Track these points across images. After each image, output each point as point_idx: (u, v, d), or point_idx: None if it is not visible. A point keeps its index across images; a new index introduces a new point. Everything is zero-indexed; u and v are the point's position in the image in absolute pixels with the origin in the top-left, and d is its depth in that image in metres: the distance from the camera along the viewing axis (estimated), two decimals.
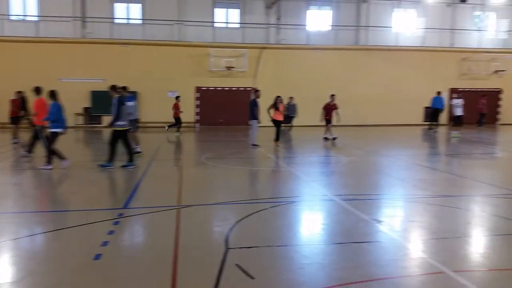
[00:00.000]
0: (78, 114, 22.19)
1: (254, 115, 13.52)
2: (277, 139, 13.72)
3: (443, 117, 21.15)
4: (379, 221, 5.55)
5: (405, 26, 25.06)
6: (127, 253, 4.51)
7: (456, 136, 17.20)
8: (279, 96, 13.83)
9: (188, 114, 22.79)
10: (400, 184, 8.42)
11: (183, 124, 19.36)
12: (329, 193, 7.25)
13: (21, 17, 22.37)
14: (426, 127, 21.31)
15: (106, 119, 10.29)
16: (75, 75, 21.77)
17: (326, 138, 15.49)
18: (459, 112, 18.43)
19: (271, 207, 6.23)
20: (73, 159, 11.13)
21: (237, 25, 23.88)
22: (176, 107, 18.78)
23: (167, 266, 4.01)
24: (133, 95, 11.29)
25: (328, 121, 15.59)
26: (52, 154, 9.32)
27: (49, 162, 9.26)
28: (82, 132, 20.23)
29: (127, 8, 22.94)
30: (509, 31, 25.90)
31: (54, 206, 6.83)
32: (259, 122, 13.67)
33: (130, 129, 10.13)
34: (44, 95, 9.63)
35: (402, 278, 3.83)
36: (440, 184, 8.24)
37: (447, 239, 4.84)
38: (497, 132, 21.27)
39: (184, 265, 4.05)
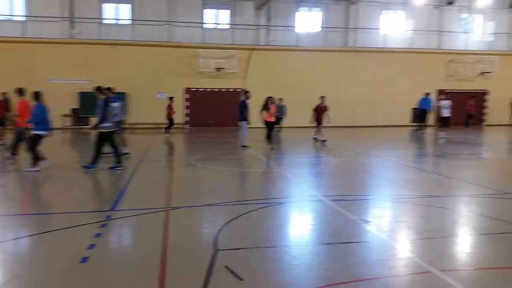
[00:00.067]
0: (65, 116, 21.96)
1: (243, 116, 13.51)
2: (269, 141, 13.52)
3: (430, 118, 21.38)
4: (367, 222, 5.59)
5: (393, 28, 25.29)
6: (114, 255, 4.47)
7: (443, 137, 17.40)
8: (270, 97, 13.68)
9: (178, 115, 22.68)
10: (388, 184, 8.49)
11: (170, 126, 19.27)
12: (318, 194, 7.27)
13: (8, 17, 22.07)
14: (414, 128, 21.51)
15: (94, 121, 10.17)
16: (63, 76, 21.55)
17: (315, 139, 15.53)
18: (446, 113, 18.65)
19: (260, 208, 6.23)
20: (59, 161, 11.03)
21: (227, 26, 23.86)
22: (169, 108, 18.73)
23: (155, 268, 3.98)
24: (119, 96, 11.19)
25: (319, 122, 15.58)
26: (35, 155, 9.16)
27: (35, 164, 9.14)
28: (70, 134, 20.03)
29: (116, 8, 22.78)
30: (495, 33, 26.30)
31: (39, 209, 6.75)
32: (249, 123, 13.66)
33: (116, 130, 10.04)
34: (28, 96, 9.49)
35: (390, 278, 3.86)
36: (427, 184, 8.33)
37: (434, 239, 4.89)
38: (483, 133, 21.57)
39: (172, 267, 4.03)
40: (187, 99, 23.22)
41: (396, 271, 4.07)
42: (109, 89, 10.43)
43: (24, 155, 10.25)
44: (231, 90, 23.37)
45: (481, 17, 26.30)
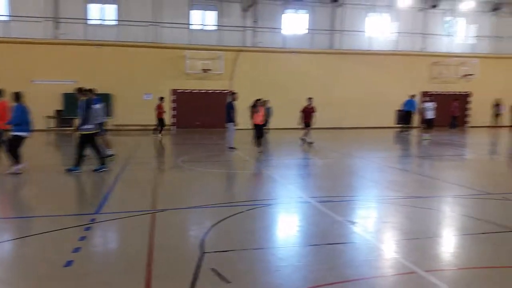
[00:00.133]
0: (49, 117, 21.64)
1: (230, 118, 13.50)
2: (258, 144, 13.41)
3: (415, 120, 21.69)
4: (353, 223, 5.63)
5: (378, 31, 25.57)
6: (99, 259, 4.42)
7: (427, 139, 17.64)
8: (259, 99, 13.64)
9: (165, 117, 22.56)
10: (373, 186, 8.57)
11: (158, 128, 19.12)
12: (304, 195, 7.30)
13: None
14: (399, 129, 21.77)
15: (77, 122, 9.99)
16: (47, 76, 21.24)
17: (303, 140, 15.53)
18: (430, 115, 18.91)
19: (248, 210, 6.24)
20: (43, 163, 10.87)
21: (214, 28, 23.82)
22: (159, 108, 18.60)
23: (141, 271, 3.95)
24: (100, 98, 11.06)
25: (306, 124, 15.57)
26: (15, 157, 8.97)
27: (16, 166, 8.96)
28: (54, 135, 19.74)
29: (102, 9, 22.54)
30: (477, 36, 26.80)
31: (21, 212, 6.62)
32: (235, 125, 13.66)
33: (98, 132, 9.93)
34: (8, 97, 9.28)
35: (376, 279, 3.89)
36: (411, 185, 8.44)
37: (418, 239, 4.96)
38: (466, 134, 21.94)
39: (158, 270, 4.00)
40: (173, 101, 23.10)
41: (382, 271, 4.11)
42: (90, 90, 10.31)
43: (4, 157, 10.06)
44: (218, 91, 23.33)
45: (464, 20, 26.78)
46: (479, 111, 26.22)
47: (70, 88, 20.77)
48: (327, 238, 4.97)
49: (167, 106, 22.66)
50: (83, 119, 9.11)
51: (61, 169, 9.53)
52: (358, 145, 16.66)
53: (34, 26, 21.23)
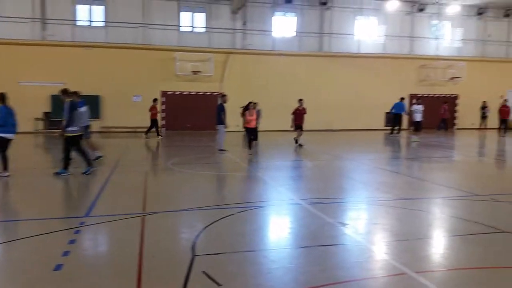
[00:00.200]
0: (37, 119, 21.37)
1: (221, 120, 13.48)
2: (249, 146, 13.30)
3: (404, 122, 21.92)
4: (344, 224, 5.67)
5: (366, 34, 25.79)
6: (89, 262, 4.37)
7: (416, 141, 17.84)
8: (251, 102, 13.49)
9: (158, 118, 22.45)
10: (364, 187, 8.63)
11: (149, 129, 19.02)
12: (295, 197, 7.32)
13: None
14: (388, 131, 21.96)
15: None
16: (35, 78, 20.97)
17: (296, 141, 15.51)
18: (418, 117, 19.13)
19: (239, 212, 6.23)
20: (31, 166, 10.74)
21: (203, 30, 23.78)
22: (153, 109, 18.52)
23: (132, 275, 3.92)
24: (84, 101, 10.98)
25: (298, 126, 15.49)
26: (3, 160, 8.85)
27: (5, 168, 8.84)
28: (42, 138, 19.50)
29: (90, 10, 22.35)
30: (463, 40, 27.19)
31: (9, 215, 6.50)
32: (226, 127, 13.64)
33: (82, 134, 9.86)
34: None
35: (367, 280, 3.92)
36: (401, 187, 8.52)
37: (408, 240, 5.00)
38: (454, 136, 22.22)
39: (149, 274, 3.97)
40: (163, 103, 22.97)
41: (372, 273, 4.14)
42: (75, 93, 10.23)
43: None
44: (208, 93, 23.29)
45: (450, 24, 27.15)
46: (466, 113, 26.57)
47: (58, 90, 20.61)
48: (318, 240, 4.99)
49: (157, 108, 22.53)
50: (68, 121, 9.02)
51: (49, 172, 9.42)
52: (348, 147, 16.76)
53: (21, 27, 20.95)
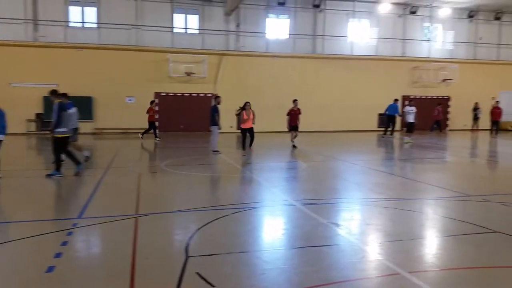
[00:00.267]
0: (30, 121, 21.21)
1: (214, 121, 13.46)
2: (243, 147, 13.23)
3: (397, 124, 22.04)
4: (338, 225, 5.68)
5: (359, 36, 25.92)
6: (82, 264, 4.33)
7: (408, 142, 17.94)
8: (247, 102, 13.25)
9: (156, 120, 22.36)
10: (357, 188, 8.66)
11: (142, 131, 18.95)
12: (289, 198, 7.33)
13: None
14: (382, 133, 22.06)
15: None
16: (27, 80, 20.82)
17: (293, 142, 15.44)
18: (411, 119, 19.25)
19: (232, 213, 6.22)
20: (23, 168, 10.64)
21: (197, 31, 23.76)
22: (151, 111, 18.45)
23: (125, 277, 3.89)
24: (73, 102, 10.95)
25: (293, 127, 15.43)
26: None
27: None
28: (34, 139, 19.34)
29: (82, 11, 22.23)
30: (454, 42, 27.43)
31: (1, 217, 6.42)
32: (219, 128, 13.63)
33: (71, 136, 9.82)
34: None
35: (360, 281, 3.93)
36: (394, 188, 8.56)
37: (402, 241, 5.03)
38: (447, 137, 22.37)
39: (142, 275, 3.95)
40: (156, 104, 22.85)
41: (366, 273, 4.15)
42: (64, 94, 10.18)
43: None
44: (201, 95, 23.26)
45: (442, 27, 27.38)
46: (458, 115, 26.79)
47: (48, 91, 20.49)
48: (312, 241, 4.99)
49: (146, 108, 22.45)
50: (56, 122, 8.97)
51: (42, 173, 9.34)
52: (342, 148, 16.81)
53: (13, 28, 20.81)
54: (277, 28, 24.79)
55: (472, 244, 4.96)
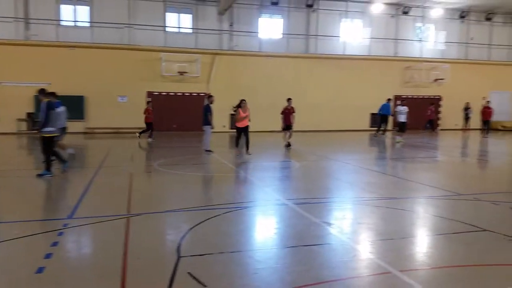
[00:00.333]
0: (20, 120, 21.01)
1: (207, 121, 13.43)
2: (236, 145, 13.05)
3: (389, 123, 22.16)
4: (329, 224, 5.69)
5: (352, 36, 26.01)
6: (73, 265, 4.30)
7: (400, 141, 18.05)
8: (243, 100, 12.94)
9: (140, 119, 22.24)
10: (349, 187, 8.69)
11: (134, 130, 18.86)
12: (281, 197, 7.33)
13: None
14: (374, 132, 22.17)
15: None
16: (18, 78, 20.62)
17: (288, 145, 15.31)
18: (402, 118, 19.36)
19: (225, 213, 6.21)
20: (14, 167, 10.54)
21: (190, 30, 23.69)
22: (148, 112, 18.34)
23: (116, 277, 3.87)
24: (61, 101, 10.88)
25: (288, 126, 15.36)
26: None
27: None
28: (25, 139, 19.16)
29: (74, 10, 22.06)
30: (446, 42, 27.63)
31: None
32: (212, 128, 13.60)
33: (58, 135, 9.76)
34: None
35: (352, 279, 3.94)
36: (386, 187, 8.60)
37: (393, 239, 5.05)
38: (438, 137, 22.54)
39: (133, 275, 3.93)
40: (148, 102, 22.76)
41: (357, 272, 4.17)
42: (53, 93, 10.12)
43: None
44: (194, 94, 23.20)
45: (434, 27, 27.57)
46: (450, 114, 27.00)
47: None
48: (304, 240, 5.00)
49: (143, 108, 22.32)
50: (44, 121, 8.90)
51: (32, 173, 9.26)
52: (334, 148, 16.86)
53: (4, 26, 20.60)
54: (270, 27, 24.80)
55: (463, 242, 5.00)
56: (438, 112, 27.11)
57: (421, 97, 26.59)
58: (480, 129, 24.06)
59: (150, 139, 18.00)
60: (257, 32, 24.47)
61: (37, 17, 21.07)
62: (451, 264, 4.34)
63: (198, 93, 23.04)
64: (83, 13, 22.13)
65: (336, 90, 25.04)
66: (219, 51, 23.54)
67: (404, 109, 19.50)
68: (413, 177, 10.02)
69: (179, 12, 23.53)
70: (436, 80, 26.80)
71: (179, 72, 22.62)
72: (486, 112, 23.06)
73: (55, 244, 4.74)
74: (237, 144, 13.11)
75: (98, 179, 8.96)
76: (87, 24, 22.15)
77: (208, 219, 5.84)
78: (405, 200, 7.29)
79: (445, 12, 27.03)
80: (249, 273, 4.05)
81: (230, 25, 23.86)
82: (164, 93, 22.87)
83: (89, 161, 11.89)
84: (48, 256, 4.34)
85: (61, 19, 21.83)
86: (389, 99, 21.09)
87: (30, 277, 3.85)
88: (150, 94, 22.47)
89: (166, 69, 22.39)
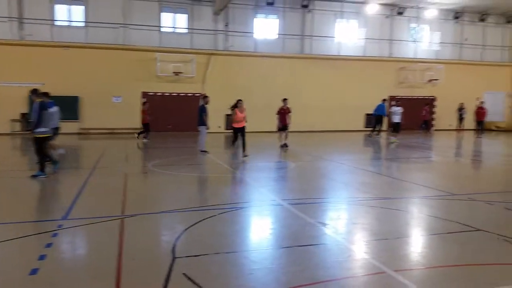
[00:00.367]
0: (14, 121, 20.87)
1: (202, 121, 13.41)
2: (233, 144, 13.00)
3: (384, 123, 22.24)
4: (324, 224, 5.71)
5: (347, 36, 26.08)
6: (67, 266, 4.28)
7: (394, 141, 18.13)
8: (240, 100, 12.78)
9: (135, 120, 22.18)
10: (344, 187, 8.72)
11: (129, 131, 18.80)
12: (277, 198, 7.34)
13: None
14: (369, 132, 22.24)
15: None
16: (12, 79, 20.47)
17: (286, 144, 15.24)
18: (397, 119, 19.44)
19: (220, 213, 6.21)
20: (8, 168, 10.47)
21: (185, 31, 23.65)
22: (144, 113, 18.28)
23: (110, 278, 3.86)
24: (54, 101, 10.84)
25: (284, 127, 15.35)
26: None
27: None
28: (19, 139, 19.04)
29: (69, 10, 21.95)
30: (441, 43, 27.78)
31: None
32: (207, 128, 13.58)
33: (51, 136, 9.72)
34: None
35: (346, 279, 3.95)
36: (381, 187, 8.64)
37: (387, 239, 5.07)
38: (432, 137, 22.66)
39: (128, 277, 3.91)
40: (144, 103, 22.70)
41: (352, 272, 4.18)
42: (45, 94, 10.07)
43: None
44: (189, 94, 23.16)
45: (428, 28, 27.71)
46: (444, 115, 27.14)
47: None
48: (299, 240, 5.01)
49: (138, 109, 22.25)
50: (37, 121, 8.85)
51: (26, 174, 9.21)
52: (329, 148, 16.90)
53: None
54: (265, 28, 24.82)
55: (457, 242, 5.03)
56: (433, 113, 27.26)
57: (415, 97, 26.71)
58: (474, 130, 24.20)
59: (145, 140, 17.96)
60: (253, 33, 24.48)
61: (31, 16, 20.94)
62: (445, 264, 4.36)
63: (193, 94, 23.00)
64: (77, 13, 22.02)
65: (331, 91, 25.10)
66: (214, 51, 23.52)
67: (399, 109, 19.59)
68: (408, 177, 10.07)
69: (174, 12, 23.49)
70: (430, 80, 26.94)
71: (174, 72, 22.58)
72: (480, 112, 23.21)
73: (49, 245, 4.72)
74: (233, 143, 13.10)
75: (93, 180, 8.93)
76: (82, 24, 22.05)
77: (203, 219, 5.83)
78: (399, 200, 7.33)
79: (439, 13, 27.18)
80: (245, 273, 4.05)
81: (226, 25, 23.85)
82: (159, 94, 22.81)
83: (84, 161, 11.85)
84: (42, 257, 4.32)
85: (55, 19, 21.71)
86: (384, 100, 21.18)
87: (24, 279, 3.83)
88: (145, 94, 22.40)
89: (161, 69, 22.33)
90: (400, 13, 26.31)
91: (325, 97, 24.92)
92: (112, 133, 21.55)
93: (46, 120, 8.99)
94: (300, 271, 4.04)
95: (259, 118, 20.54)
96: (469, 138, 21.90)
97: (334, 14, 25.55)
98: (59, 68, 20.96)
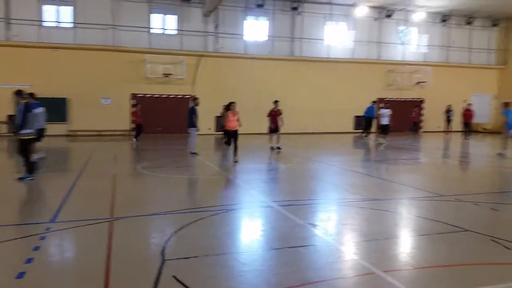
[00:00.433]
0: (1, 122, 20.57)
1: (192, 123, 13.37)
2: (228, 144, 12.89)
3: (373, 125, 22.42)
4: (314, 226, 5.72)
5: (336, 39, 26.23)
6: (54, 269, 4.23)
7: (383, 143, 18.27)
8: (232, 102, 12.62)
9: (124, 121, 22.06)
10: (333, 189, 8.76)
11: (118, 133, 18.65)
12: (267, 199, 7.34)
13: None
14: (359, 134, 22.40)
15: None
16: None
17: (278, 147, 15.23)
18: (385, 121, 19.60)
19: (210, 215, 6.19)
20: None
21: (175, 32, 23.57)
22: (135, 115, 18.12)
23: (99, 281, 3.82)
24: (40, 103, 10.71)
25: (275, 129, 15.32)
26: None
27: None
28: (6, 142, 18.76)
29: (57, 10, 21.72)
30: (428, 45, 28.11)
31: None
32: (198, 130, 13.54)
33: (37, 138, 9.60)
34: None
35: (336, 280, 3.97)
36: (370, 188, 8.69)
37: (377, 240, 5.11)
38: (420, 139, 22.88)
39: (117, 280, 3.88)
40: (133, 105, 22.58)
41: (342, 273, 4.20)
42: (31, 94, 9.95)
43: None
44: (179, 96, 23.07)
45: (416, 30, 28.01)
46: (432, 117, 27.43)
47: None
48: (289, 242, 5.02)
49: (127, 110, 22.13)
50: (22, 123, 8.72)
51: (13, 176, 9.07)
52: (319, 150, 16.96)
53: None
54: (255, 30, 24.85)
55: (445, 243, 5.08)
56: (421, 115, 27.54)
57: (403, 99, 26.98)
58: (461, 131, 24.50)
59: (134, 141, 17.84)
60: (243, 34, 24.49)
61: (18, 17, 20.67)
62: (434, 265, 4.40)
63: (183, 95, 22.92)
64: (66, 14, 21.78)
65: (321, 93, 25.21)
66: (204, 53, 23.48)
67: (387, 111, 19.76)
68: (396, 178, 10.15)
69: (164, 13, 23.38)
70: (418, 83, 27.22)
71: (164, 74, 22.48)
72: (467, 114, 23.50)
73: (36, 248, 4.66)
74: (226, 143, 13.02)
75: (81, 182, 8.83)
76: (70, 25, 21.83)
77: (193, 222, 5.80)
78: (388, 202, 7.38)
79: (427, 16, 27.49)
80: (235, 275, 4.04)
81: (215, 27, 23.82)
82: (148, 95, 22.68)
83: (72, 164, 11.71)
84: (29, 260, 4.26)
85: (43, 19, 21.46)
86: (374, 101, 21.34)
87: (10, 282, 3.77)
88: (134, 96, 22.27)
89: (150, 71, 22.21)
90: (388, 16, 26.55)
91: (314, 99, 25.02)
92: (100, 135, 21.36)
93: (31, 122, 8.86)
94: (290, 273, 4.05)
95: (249, 120, 20.46)
96: (456, 140, 22.16)
97: (323, 17, 25.69)
98: (47, 69, 20.73)
